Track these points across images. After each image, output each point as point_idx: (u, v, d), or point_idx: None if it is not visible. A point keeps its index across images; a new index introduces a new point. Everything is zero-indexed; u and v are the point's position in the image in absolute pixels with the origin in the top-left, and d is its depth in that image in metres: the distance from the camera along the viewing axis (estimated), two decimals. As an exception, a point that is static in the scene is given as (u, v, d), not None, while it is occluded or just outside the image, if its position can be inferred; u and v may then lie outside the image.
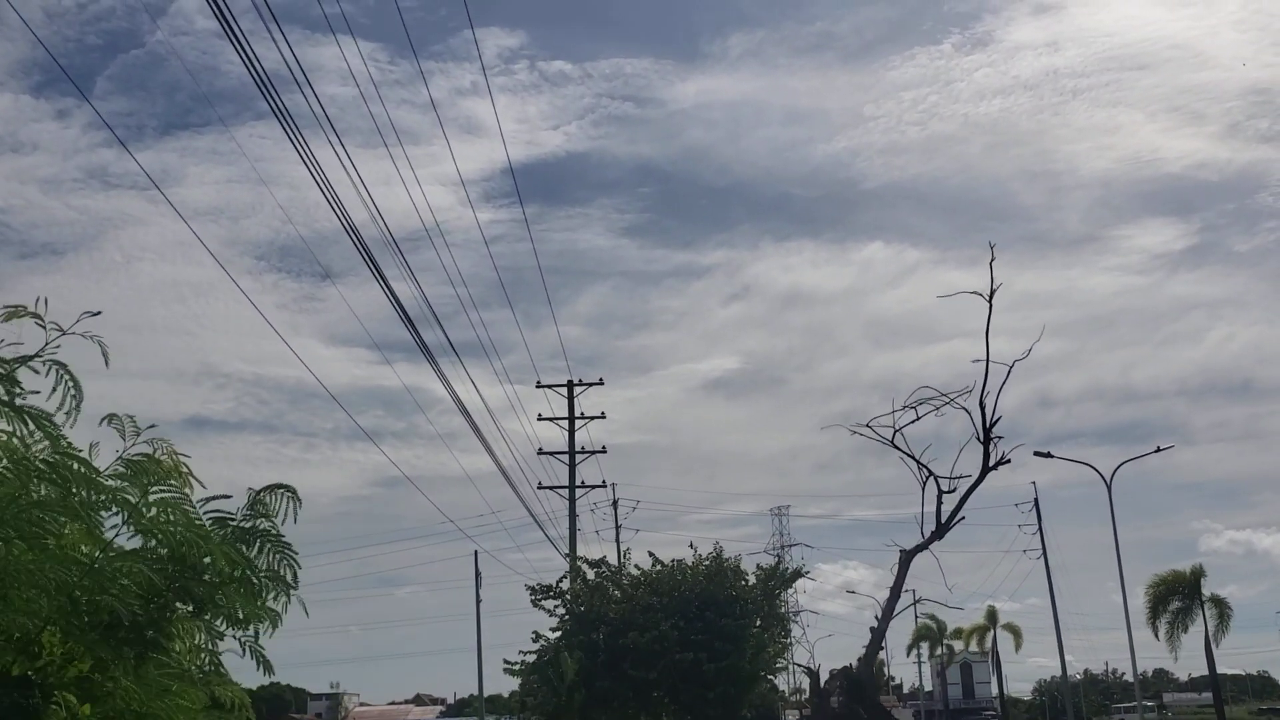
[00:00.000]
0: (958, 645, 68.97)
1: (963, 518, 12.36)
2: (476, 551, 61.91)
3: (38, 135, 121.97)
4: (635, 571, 26.09)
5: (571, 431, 37.07)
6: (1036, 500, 66.39)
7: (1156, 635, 40.88)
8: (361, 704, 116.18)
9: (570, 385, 37.52)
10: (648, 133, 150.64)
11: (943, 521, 12.18)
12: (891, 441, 12.01)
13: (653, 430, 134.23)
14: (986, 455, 12.05)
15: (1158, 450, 37.33)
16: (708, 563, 25.96)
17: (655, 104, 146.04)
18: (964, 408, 12.19)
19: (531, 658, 24.82)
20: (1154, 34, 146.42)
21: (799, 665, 13.48)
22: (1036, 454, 32.53)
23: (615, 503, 55.10)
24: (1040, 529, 66.11)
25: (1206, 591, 40.43)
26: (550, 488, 36.64)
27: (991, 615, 63.99)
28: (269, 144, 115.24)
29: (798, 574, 27.07)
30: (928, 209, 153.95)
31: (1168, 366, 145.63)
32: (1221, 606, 41.40)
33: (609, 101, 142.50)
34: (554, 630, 25.03)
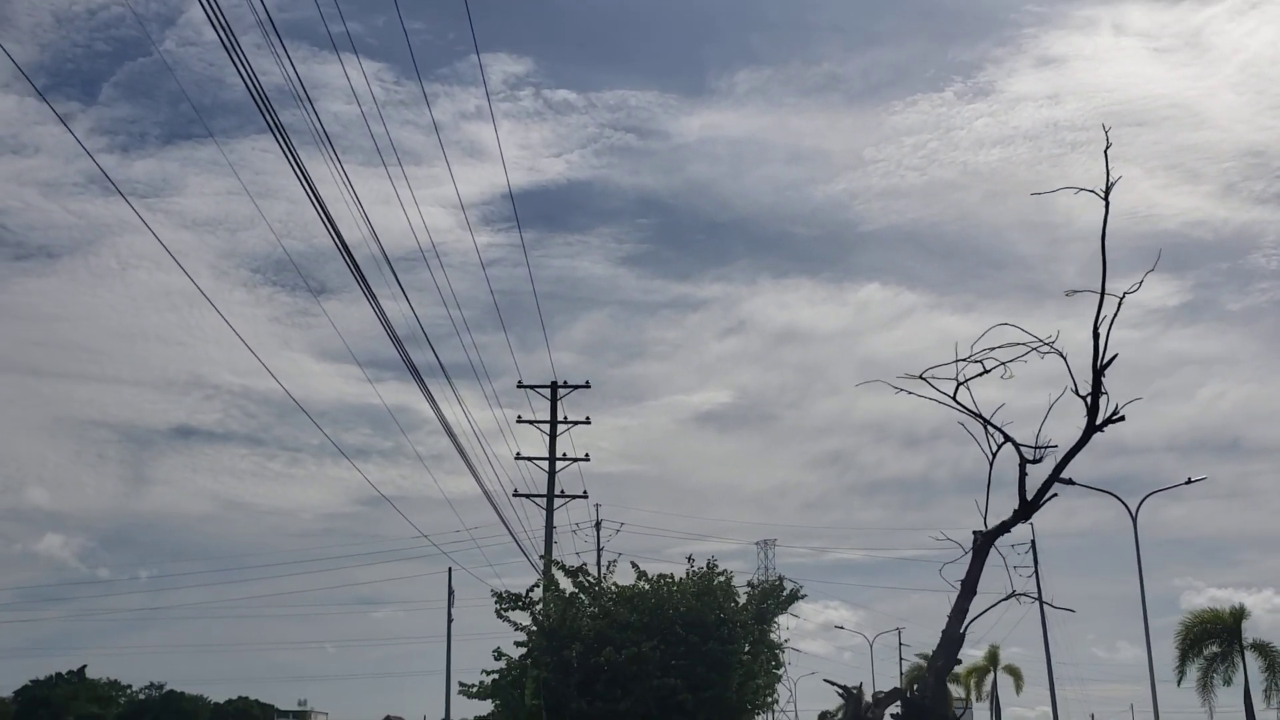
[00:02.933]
0: (955, 690, 65.88)
1: (1055, 494, 9.76)
2: (450, 569, 59.25)
3: (40, 138, 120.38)
4: (614, 588, 23.40)
5: (553, 435, 34.42)
6: (1034, 541, 63.71)
7: (1179, 684, 36.90)
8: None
9: (554, 386, 34.92)
10: (651, 164, 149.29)
11: (1029, 499, 9.57)
12: (953, 396, 9.42)
13: (641, 460, 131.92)
14: (1094, 407, 9.44)
15: (1189, 482, 34.73)
16: (697, 578, 23.29)
17: (659, 136, 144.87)
18: (1058, 350, 9.61)
19: (494, 678, 22.03)
20: (1153, 92, 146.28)
21: (834, 684, 10.86)
22: (1058, 481, 29.72)
23: (598, 524, 52.37)
24: (1036, 571, 63.36)
25: (1248, 637, 35.98)
26: (527, 495, 33.93)
27: (992, 656, 60.90)
28: (271, 157, 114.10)
29: (795, 595, 24.32)
30: (925, 253, 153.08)
31: (1158, 421, 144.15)
32: (1270, 656, 36.32)
33: (612, 132, 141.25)
34: (520, 646, 22.26)
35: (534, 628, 21.85)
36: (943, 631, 9.50)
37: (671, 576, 23.30)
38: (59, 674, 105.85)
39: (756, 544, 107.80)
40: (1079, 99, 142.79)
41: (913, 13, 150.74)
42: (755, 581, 26.11)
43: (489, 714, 22.65)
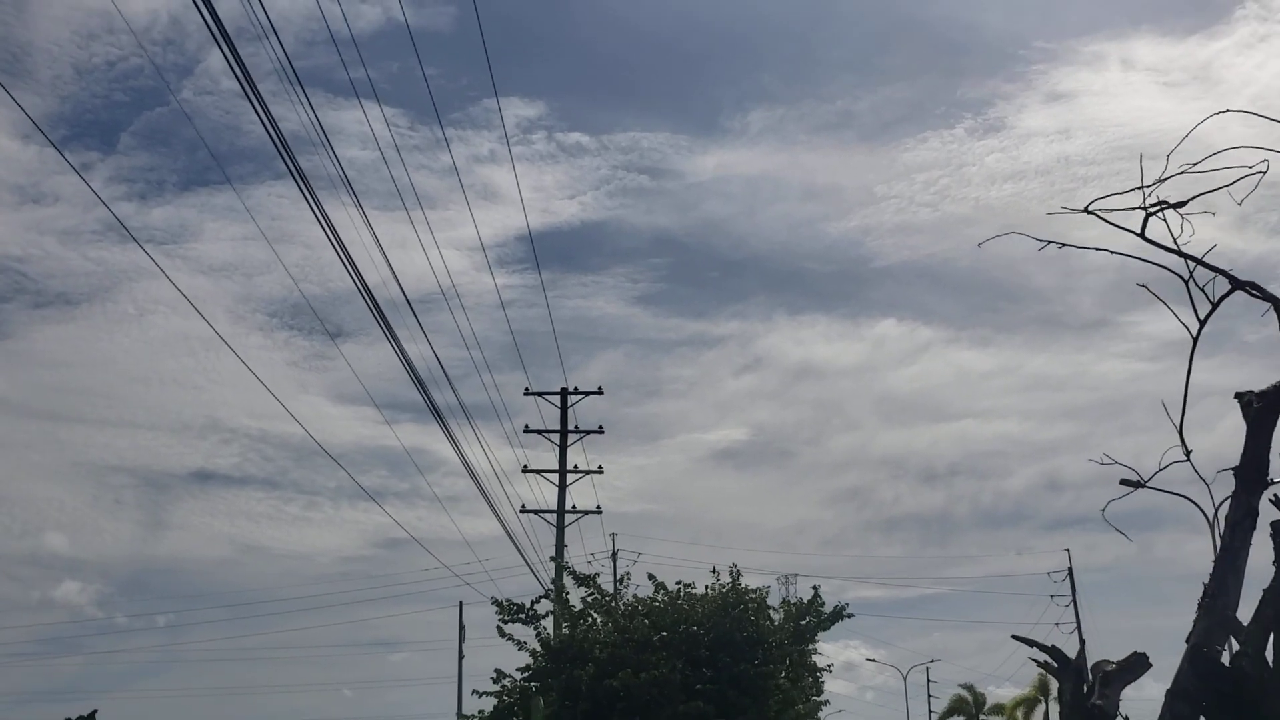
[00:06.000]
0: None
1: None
2: (461, 603, 56.48)
3: (59, 187, 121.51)
4: (632, 599, 20.59)
5: (563, 446, 31.67)
6: (1071, 570, 59.98)
7: None
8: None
9: (564, 393, 32.25)
10: (664, 204, 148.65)
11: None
12: (1140, 233, 6.61)
13: (658, 499, 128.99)
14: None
15: (1272, 483, 31.44)
16: (723, 590, 20.45)
17: (673, 176, 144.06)
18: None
19: (494, 704, 19.16)
20: (1164, 125, 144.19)
21: (1034, 643, 7.82)
22: (1124, 483, 26.78)
23: (614, 554, 49.53)
24: (1074, 599, 59.73)
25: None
26: (535, 511, 31.17)
27: (1043, 686, 56.96)
28: (287, 203, 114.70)
29: (840, 614, 21.43)
30: (940, 288, 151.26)
31: (1179, 453, 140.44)
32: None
33: (625, 173, 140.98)
34: (523, 671, 19.42)
35: (538, 647, 19.03)
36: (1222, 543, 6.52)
37: (693, 585, 20.48)
38: (68, 719, 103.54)
39: (778, 578, 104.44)
40: (1089, 134, 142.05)
41: (923, 50, 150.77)
42: (789, 600, 23.22)
43: None
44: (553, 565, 27.71)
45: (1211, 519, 27.99)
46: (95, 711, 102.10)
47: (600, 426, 32.46)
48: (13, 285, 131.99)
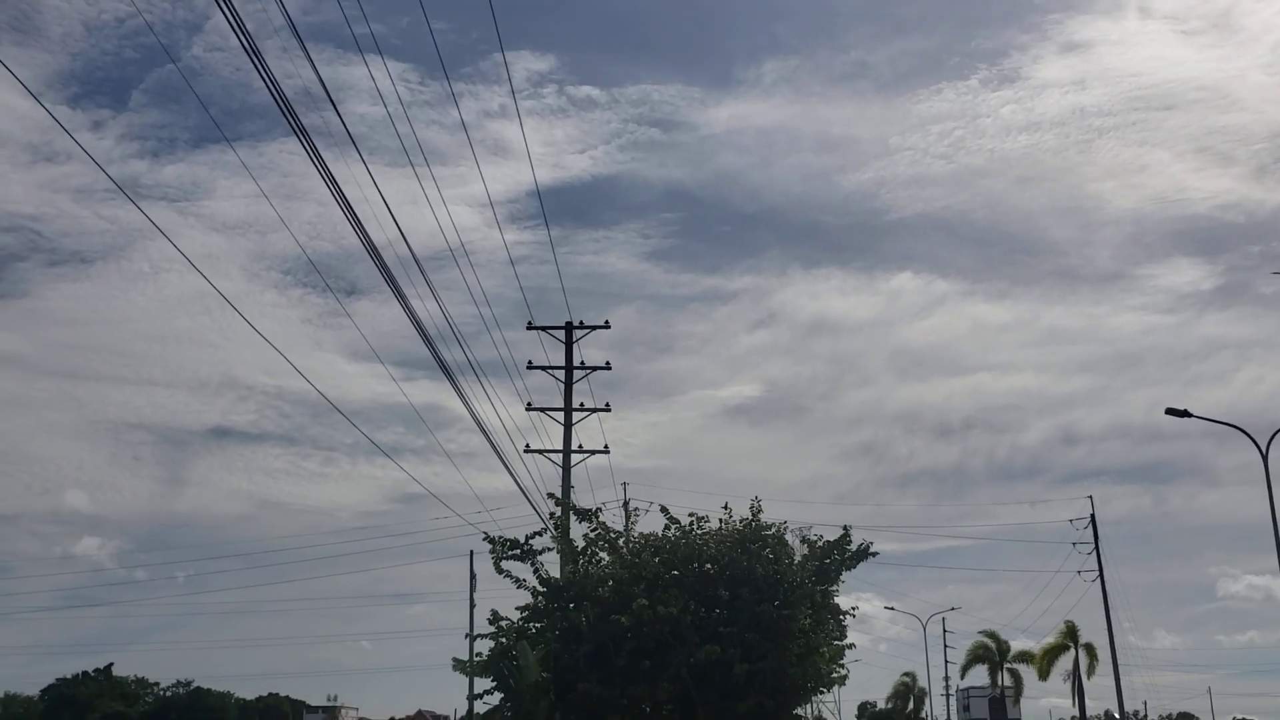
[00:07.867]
0: (1024, 670, 60.19)
1: None
2: (472, 552, 55.52)
3: (72, 145, 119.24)
4: (637, 536, 18.96)
5: (569, 383, 29.94)
6: (1094, 516, 58.18)
7: None
8: (361, 718, 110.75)
9: (569, 327, 30.47)
10: (677, 157, 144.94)
11: None
12: None
13: (671, 455, 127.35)
14: None
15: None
16: (740, 526, 18.79)
17: (686, 128, 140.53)
18: None
19: (490, 647, 17.62)
20: (1181, 75, 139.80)
21: None
22: (1169, 412, 25.08)
23: (626, 504, 48.23)
24: (1097, 546, 57.89)
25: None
26: (540, 451, 29.56)
27: (1071, 633, 55.22)
28: (299, 159, 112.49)
29: (865, 552, 19.79)
30: (956, 241, 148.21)
31: (1194, 406, 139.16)
32: None
33: (636, 127, 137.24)
34: (521, 611, 17.85)
35: (539, 586, 17.44)
36: None
37: (706, 519, 18.82)
38: (85, 672, 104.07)
39: (793, 529, 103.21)
40: (1105, 84, 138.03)
41: (939, 0, 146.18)
42: (810, 538, 21.57)
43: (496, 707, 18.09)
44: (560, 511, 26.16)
45: (1264, 450, 25.95)
46: (111, 664, 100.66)
47: (607, 363, 30.79)
48: (27, 244, 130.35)
